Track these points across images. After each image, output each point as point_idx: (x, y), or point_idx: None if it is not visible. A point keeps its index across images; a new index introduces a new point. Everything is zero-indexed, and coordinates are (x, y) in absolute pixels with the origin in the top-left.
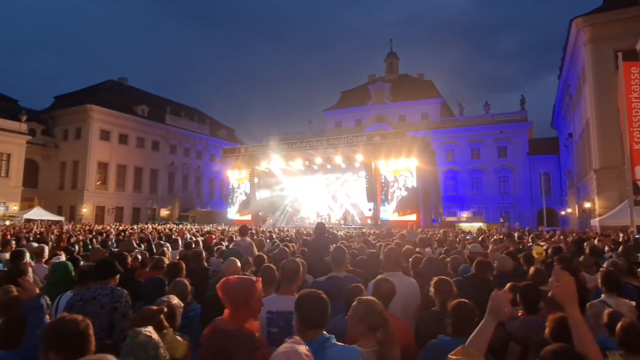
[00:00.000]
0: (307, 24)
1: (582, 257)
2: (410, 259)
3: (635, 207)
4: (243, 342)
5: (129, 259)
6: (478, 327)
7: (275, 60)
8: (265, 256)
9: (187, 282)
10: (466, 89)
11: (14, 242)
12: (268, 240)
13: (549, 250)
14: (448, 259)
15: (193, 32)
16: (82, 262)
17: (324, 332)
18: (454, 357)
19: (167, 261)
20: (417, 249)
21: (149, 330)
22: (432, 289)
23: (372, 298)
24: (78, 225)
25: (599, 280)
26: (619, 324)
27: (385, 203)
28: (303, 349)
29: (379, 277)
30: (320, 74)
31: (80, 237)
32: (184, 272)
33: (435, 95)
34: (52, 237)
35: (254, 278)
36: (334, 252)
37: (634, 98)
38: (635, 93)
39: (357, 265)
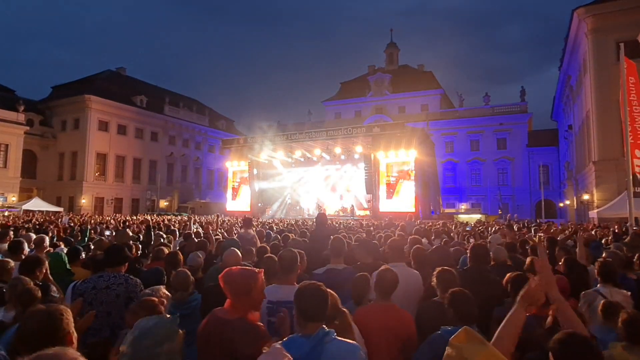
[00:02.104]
0: (307, 13)
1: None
2: (412, 250)
3: (634, 199)
4: (246, 332)
5: (134, 249)
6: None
7: (274, 51)
8: (268, 247)
9: (189, 272)
10: (466, 80)
11: (12, 232)
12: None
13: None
14: (451, 250)
15: (192, 22)
16: (82, 253)
17: (324, 326)
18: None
19: (167, 251)
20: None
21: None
22: (434, 279)
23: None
24: (77, 217)
25: (596, 270)
26: (622, 316)
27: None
28: None
29: (382, 267)
30: (319, 64)
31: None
32: (182, 262)
33: (435, 86)
34: (53, 227)
35: (257, 269)
36: (332, 242)
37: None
38: (623, 87)
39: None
